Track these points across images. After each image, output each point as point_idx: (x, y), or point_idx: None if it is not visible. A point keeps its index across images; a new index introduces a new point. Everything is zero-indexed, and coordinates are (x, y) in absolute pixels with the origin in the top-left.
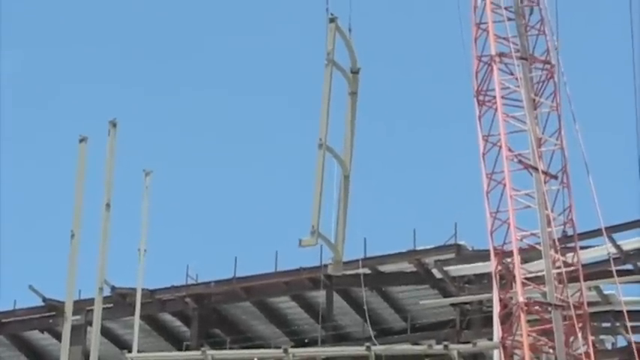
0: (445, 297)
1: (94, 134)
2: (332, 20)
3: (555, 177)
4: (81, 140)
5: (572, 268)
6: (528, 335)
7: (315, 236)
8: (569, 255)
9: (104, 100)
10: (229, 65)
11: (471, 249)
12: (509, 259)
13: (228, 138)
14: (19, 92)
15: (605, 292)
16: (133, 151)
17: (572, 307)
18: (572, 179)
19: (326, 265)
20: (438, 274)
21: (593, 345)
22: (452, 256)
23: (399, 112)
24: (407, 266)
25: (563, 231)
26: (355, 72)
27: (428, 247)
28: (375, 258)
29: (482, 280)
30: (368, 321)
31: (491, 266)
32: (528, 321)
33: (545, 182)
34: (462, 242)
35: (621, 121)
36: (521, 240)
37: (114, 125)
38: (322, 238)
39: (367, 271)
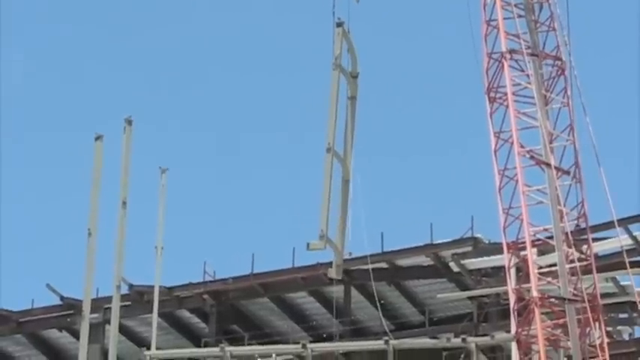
0: (462, 290)
1: (109, 132)
2: (339, 25)
3: (567, 172)
4: (97, 138)
5: (585, 262)
6: (543, 329)
7: (323, 240)
8: (585, 247)
9: (120, 97)
10: (246, 61)
11: (487, 242)
12: (524, 252)
13: (244, 134)
14: (34, 91)
15: (622, 283)
16: (149, 148)
17: (586, 300)
18: (586, 171)
19: (345, 260)
20: (455, 268)
21: (610, 336)
22: (469, 249)
23: (416, 107)
24: (424, 260)
25: (577, 225)
26: (355, 76)
27: (445, 240)
28: (392, 252)
29: (499, 273)
30: (381, 315)
31: (505, 261)
32: (546, 313)
33: (557, 178)
34: (478, 235)
35: (634, 111)
36: (534, 235)
37: (129, 123)
38: (330, 242)
39: (384, 265)
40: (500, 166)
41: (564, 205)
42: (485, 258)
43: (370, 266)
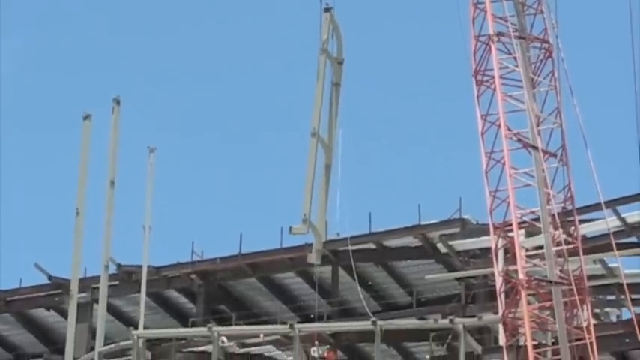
0: (450, 271)
1: (98, 112)
2: (327, 10)
3: (554, 155)
4: (85, 118)
5: (572, 245)
6: (530, 312)
7: (306, 224)
8: (572, 229)
9: (108, 77)
10: (234, 41)
11: (475, 223)
12: (512, 234)
13: (233, 114)
14: (23, 71)
15: (610, 265)
16: (137, 128)
17: (572, 282)
18: (576, 154)
19: (333, 241)
20: (443, 249)
21: (598, 318)
22: (457, 230)
23: (402, 86)
24: (412, 241)
25: (563, 208)
26: (340, 62)
27: (433, 221)
28: (380, 233)
29: (487, 254)
30: (362, 296)
31: (491, 243)
32: (533, 295)
33: (544, 161)
34: (466, 216)
35: (621, 95)
36: (520, 218)
37: (118, 102)
38: (312, 227)
39: (372, 245)
40: (487, 149)
41: (551, 188)
42: (473, 239)
43: (350, 247)
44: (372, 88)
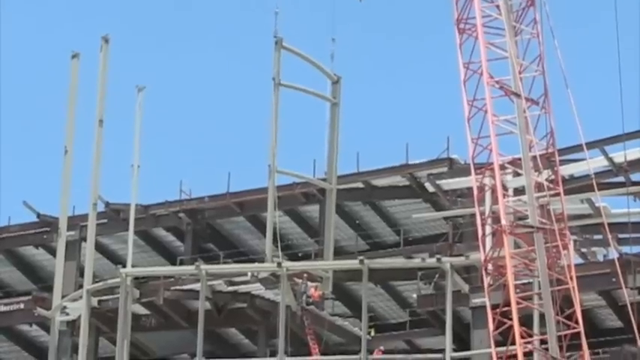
0: (438, 210)
1: (86, 50)
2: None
3: (536, 103)
4: (73, 56)
5: (553, 191)
6: (512, 257)
7: None
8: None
9: (97, 15)
10: None
11: (463, 162)
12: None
13: (220, 53)
14: (10, 9)
15: (598, 205)
16: (126, 66)
17: (555, 225)
18: (560, 98)
19: (321, 179)
20: (430, 188)
21: (585, 257)
22: (444, 169)
23: (389, 29)
24: (400, 180)
25: (546, 154)
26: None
27: (421, 160)
28: (367, 172)
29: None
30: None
31: (474, 190)
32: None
33: (527, 108)
34: (454, 156)
35: (604, 42)
36: (502, 164)
37: (106, 41)
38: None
39: (360, 185)
40: (469, 96)
41: (534, 135)
42: (461, 178)
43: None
44: (360, 30)
